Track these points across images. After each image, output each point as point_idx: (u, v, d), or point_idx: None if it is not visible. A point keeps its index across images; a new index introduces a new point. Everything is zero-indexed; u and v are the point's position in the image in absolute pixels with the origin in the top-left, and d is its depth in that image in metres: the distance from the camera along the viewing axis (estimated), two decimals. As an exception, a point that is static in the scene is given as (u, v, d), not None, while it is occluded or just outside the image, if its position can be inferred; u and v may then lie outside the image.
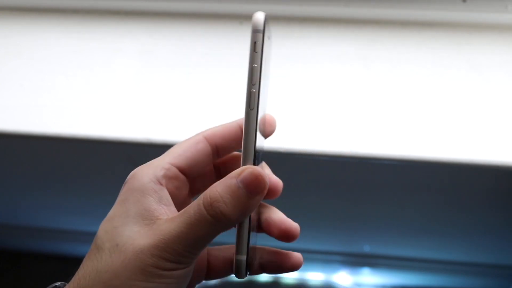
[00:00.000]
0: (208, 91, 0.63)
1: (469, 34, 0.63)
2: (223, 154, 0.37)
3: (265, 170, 0.36)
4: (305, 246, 1.10)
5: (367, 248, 1.14)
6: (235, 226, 0.32)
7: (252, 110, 0.31)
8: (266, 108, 0.39)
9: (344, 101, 0.61)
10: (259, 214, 0.35)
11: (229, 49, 0.65)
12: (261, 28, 0.33)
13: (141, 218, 0.31)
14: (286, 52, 0.64)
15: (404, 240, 1.07)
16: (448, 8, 0.63)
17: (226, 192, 0.29)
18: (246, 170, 0.30)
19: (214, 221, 0.29)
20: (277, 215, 0.35)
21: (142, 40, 0.67)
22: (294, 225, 0.34)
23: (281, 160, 0.64)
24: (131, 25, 0.68)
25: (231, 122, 0.37)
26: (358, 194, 0.81)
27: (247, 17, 0.67)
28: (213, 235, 0.30)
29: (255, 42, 0.32)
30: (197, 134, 0.36)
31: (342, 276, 1.37)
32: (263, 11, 0.66)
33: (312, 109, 0.61)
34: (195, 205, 0.30)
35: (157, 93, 0.63)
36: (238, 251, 0.31)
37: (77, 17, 0.69)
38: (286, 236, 0.34)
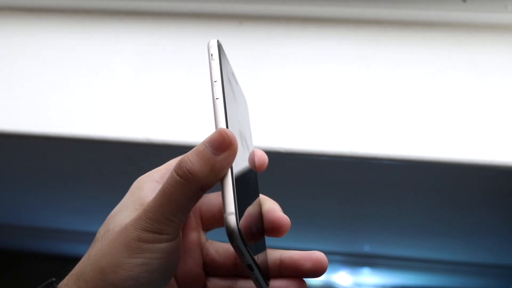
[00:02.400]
0: (208, 91, 0.63)
1: (469, 34, 0.63)
2: None
3: (275, 206, 0.35)
4: (305, 246, 1.10)
5: (367, 248, 1.14)
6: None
7: (217, 99, 0.33)
8: (251, 145, 0.39)
9: (344, 101, 0.61)
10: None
11: (229, 49, 0.65)
12: (216, 43, 0.38)
13: (133, 204, 0.32)
14: (286, 52, 0.64)
15: (404, 240, 1.07)
16: (448, 8, 0.63)
17: (193, 153, 0.30)
18: (213, 132, 0.31)
19: (183, 181, 0.29)
20: (297, 253, 0.34)
21: (142, 40, 0.67)
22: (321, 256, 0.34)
23: (281, 160, 0.64)
24: (131, 25, 0.68)
25: None
26: (358, 194, 0.81)
27: (247, 17, 0.67)
28: (186, 197, 0.30)
29: (211, 54, 0.36)
30: None
31: (342, 276, 1.37)
32: (263, 11, 0.66)
33: (312, 109, 0.61)
34: (169, 173, 0.31)
35: (157, 93, 0.63)
36: (225, 209, 0.29)
37: (77, 17, 0.69)
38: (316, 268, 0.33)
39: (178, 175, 0.29)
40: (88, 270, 0.30)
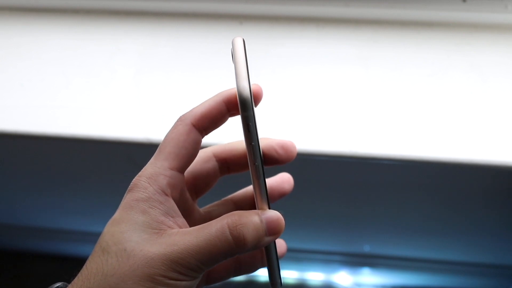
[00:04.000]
0: (208, 91, 0.63)
1: (469, 34, 0.63)
2: (205, 133, 0.36)
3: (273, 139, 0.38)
4: (305, 246, 1.10)
5: (367, 248, 1.14)
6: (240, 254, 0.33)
7: (259, 179, 0.33)
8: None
9: (344, 101, 0.61)
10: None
11: (229, 49, 0.65)
12: (251, 105, 0.31)
13: (149, 227, 0.31)
14: (286, 52, 0.64)
15: (404, 240, 1.07)
16: (448, 8, 0.63)
17: (251, 222, 0.31)
18: (271, 211, 0.33)
19: (233, 242, 0.30)
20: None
21: (142, 40, 0.67)
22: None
23: (281, 160, 0.64)
24: (131, 25, 0.68)
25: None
26: (358, 194, 0.81)
27: (247, 17, 0.67)
28: (226, 256, 0.31)
29: (248, 124, 0.31)
30: (181, 123, 0.35)
31: (342, 276, 1.37)
32: (263, 11, 0.66)
33: (312, 109, 0.61)
34: (218, 224, 0.31)
35: (157, 93, 0.63)
36: (273, 280, 0.36)
37: (77, 17, 0.69)
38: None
39: (232, 235, 0.30)
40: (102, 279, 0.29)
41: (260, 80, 0.63)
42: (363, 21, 0.65)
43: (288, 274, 1.26)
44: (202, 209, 0.40)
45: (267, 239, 0.32)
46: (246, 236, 0.31)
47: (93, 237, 0.32)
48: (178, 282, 0.30)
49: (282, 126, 0.60)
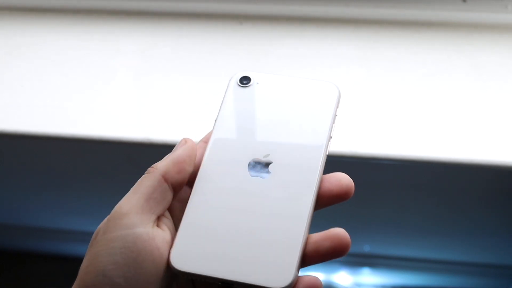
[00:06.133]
0: (207, 91, 0.63)
1: (469, 34, 0.63)
2: None
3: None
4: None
5: (367, 248, 1.14)
6: None
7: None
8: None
9: (344, 101, 0.61)
10: None
11: (229, 49, 0.65)
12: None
13: None
14: (286, 52, 0.64)
15: (404, 240, 1.07)
16: (448, 8, 0.63)
17: None
18: None
19: (146, 174, 0.32)
20: None
21: (142, 40, 0.67)
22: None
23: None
24: (131, 25, 0.68)
25: None
26: (358, 194, 0.81)
27: (247, 17, 0.67)
28: (148, 184, 0.31)
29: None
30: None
31: (342, 276, 1.37)
32: (263, 11, 0.66)
33: (312, 109, 0.61)
34: None
35: (157, 93, 0.63)
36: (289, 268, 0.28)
37: (77, 17, 0.69)
38: None
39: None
40: (80, 273, 0.30)
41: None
42: (363, 21, 0.65)
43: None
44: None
45: (177, 151, 0.33)
46: (154, 164, 0.32)
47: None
48: (117, 234, 0.29)
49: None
